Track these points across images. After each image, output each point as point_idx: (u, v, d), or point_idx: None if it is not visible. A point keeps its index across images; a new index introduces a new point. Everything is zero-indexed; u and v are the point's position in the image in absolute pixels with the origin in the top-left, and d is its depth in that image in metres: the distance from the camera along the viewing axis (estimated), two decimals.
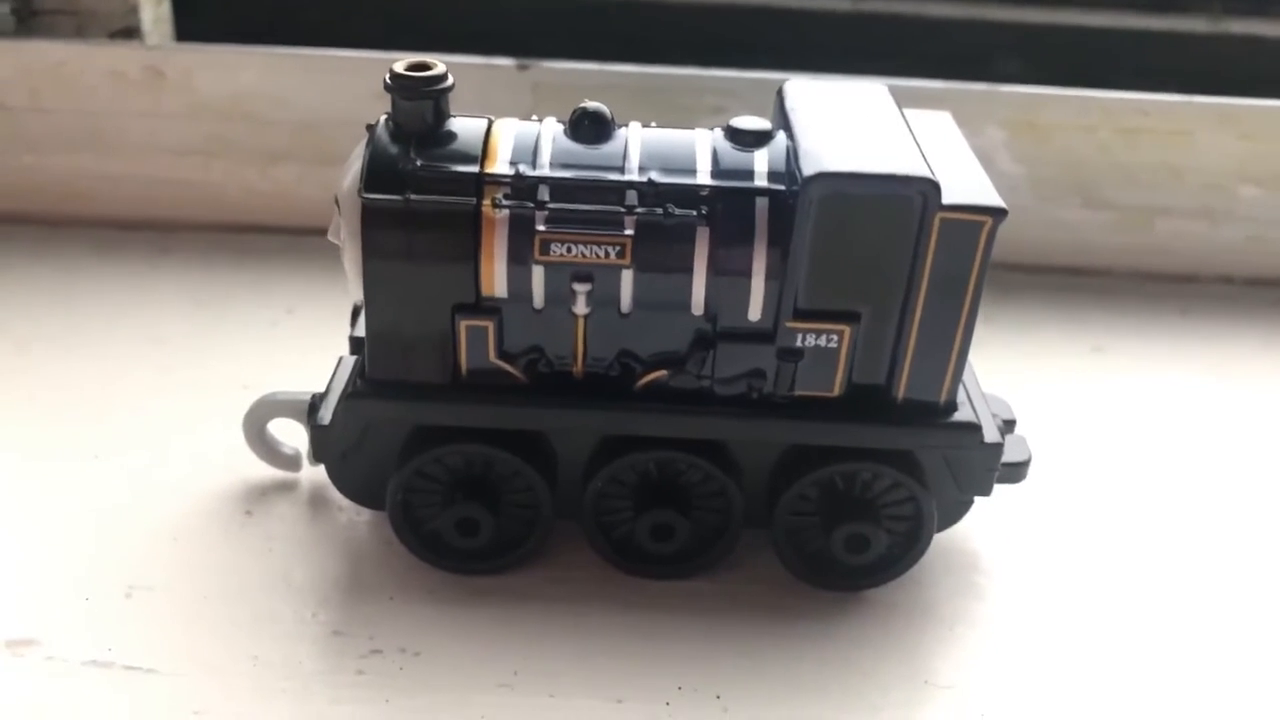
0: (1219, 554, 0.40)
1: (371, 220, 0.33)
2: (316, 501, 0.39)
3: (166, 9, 0.58)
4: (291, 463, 0.39)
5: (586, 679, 0.34)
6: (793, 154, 0.33)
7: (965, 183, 0.32)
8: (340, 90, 0.54)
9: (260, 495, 0.39)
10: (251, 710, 0.32)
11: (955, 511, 0.37)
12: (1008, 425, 0.38)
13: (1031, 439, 0.39)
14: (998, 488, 0.37)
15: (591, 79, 0.54)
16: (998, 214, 0.32)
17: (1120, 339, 0.52)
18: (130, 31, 0.56)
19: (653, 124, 0.35)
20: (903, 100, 0.36)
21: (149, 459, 0.41)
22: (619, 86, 0.54)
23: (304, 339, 0.48)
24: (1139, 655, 0.35)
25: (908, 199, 0.31)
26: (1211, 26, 0.56)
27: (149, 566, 0.36)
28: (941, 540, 0.37)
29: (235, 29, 0.57)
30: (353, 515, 0.39)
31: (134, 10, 0.56)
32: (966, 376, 0.36)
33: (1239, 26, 0.54)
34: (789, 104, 0.35)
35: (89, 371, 0.45)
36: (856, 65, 0.56)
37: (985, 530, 0.39)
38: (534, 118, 0.35)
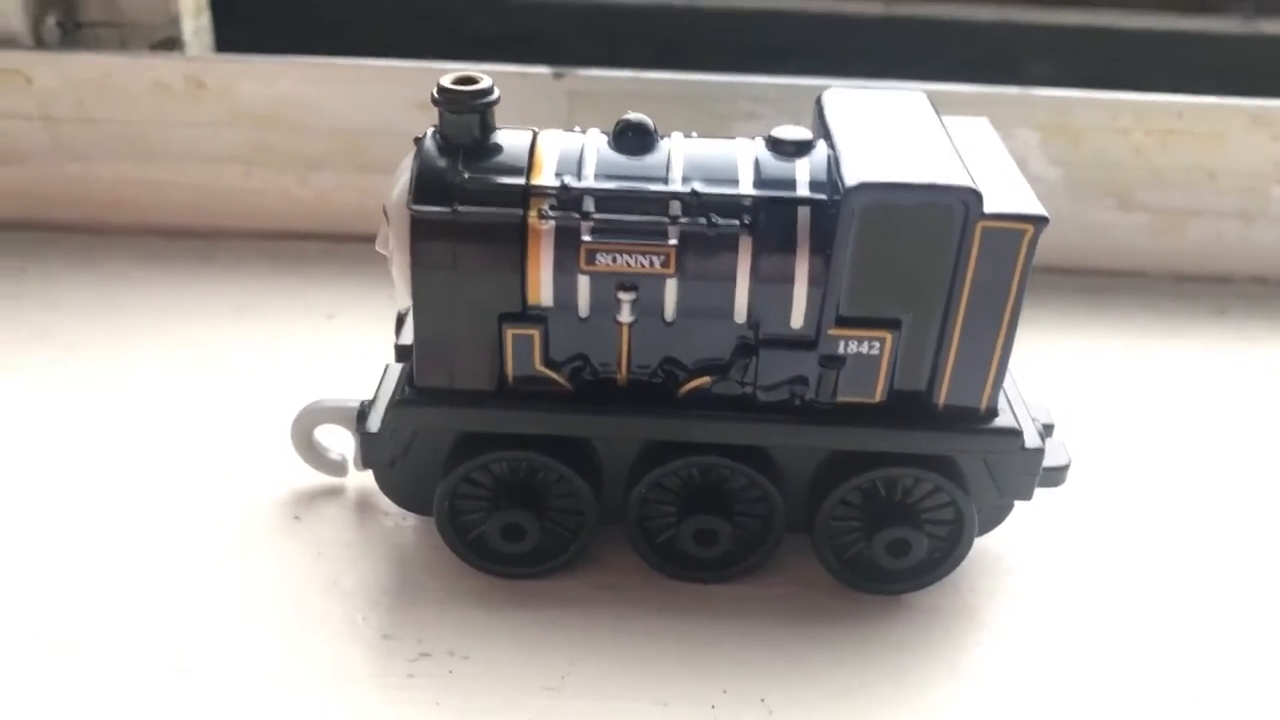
0: (1258, 556, 0.40)
1: (420, 232, 0.33)
2: (364, 507, 0.40)
3: (206, 20, 0.59)
4: (338, 469, 0.40)
5: (632, 683, 0.34)
6: (834, 163, 0.33)
7: (1006, 191, 0.33)
8: (377, 99, 0.55)
9: (308, 501, 0.40)
10: (302, 714, 0.33)
11: (996, 516, 0.37)
12: (1047, 429, 0.38)
13: (1070, 442, 0.39)
14: (1038, 492, 0.37)
15: (626, 86, 0.54)
16: (1039, 222, 0.32)
17: (1157, 340, 0.52)
18: (172, 43, 0.57)
19: (694, 134, 0.35)
20: (936, 104, 0.37)
21: (195, 466, 0.42)
22: (654, 94, 0.54)
23: (346, 345, 0.48)
24: (1176, 658, 0.36)
25: (949, 208, 0.32)
26: (1244, 27, 0.56)
27: (197, 571, 0.37)
28: (982, 544, 0.38)
29: (273, 39, 0.58)
30: (399, 520, 0.39)
31: (175, 22, 0.57)
32: (1006, 381, 0.37)
33: (1271, 27, 0.54)
34: (828, 113, 0.36)
35: (134, 378, 0.46)
36: (889, 69, 0.57)
37: (1026, 534, 0.39)
38: (577, 129, 0.36)
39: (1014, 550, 0.39)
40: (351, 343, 0.48)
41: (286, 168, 0.57)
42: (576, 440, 0.36)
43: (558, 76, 0.54)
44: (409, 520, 0.39)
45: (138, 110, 0.56)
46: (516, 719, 0.33)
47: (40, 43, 0.55)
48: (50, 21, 0.55)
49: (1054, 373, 0.45)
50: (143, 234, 0.57)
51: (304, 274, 0.55)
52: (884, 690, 0.34)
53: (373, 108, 0.55)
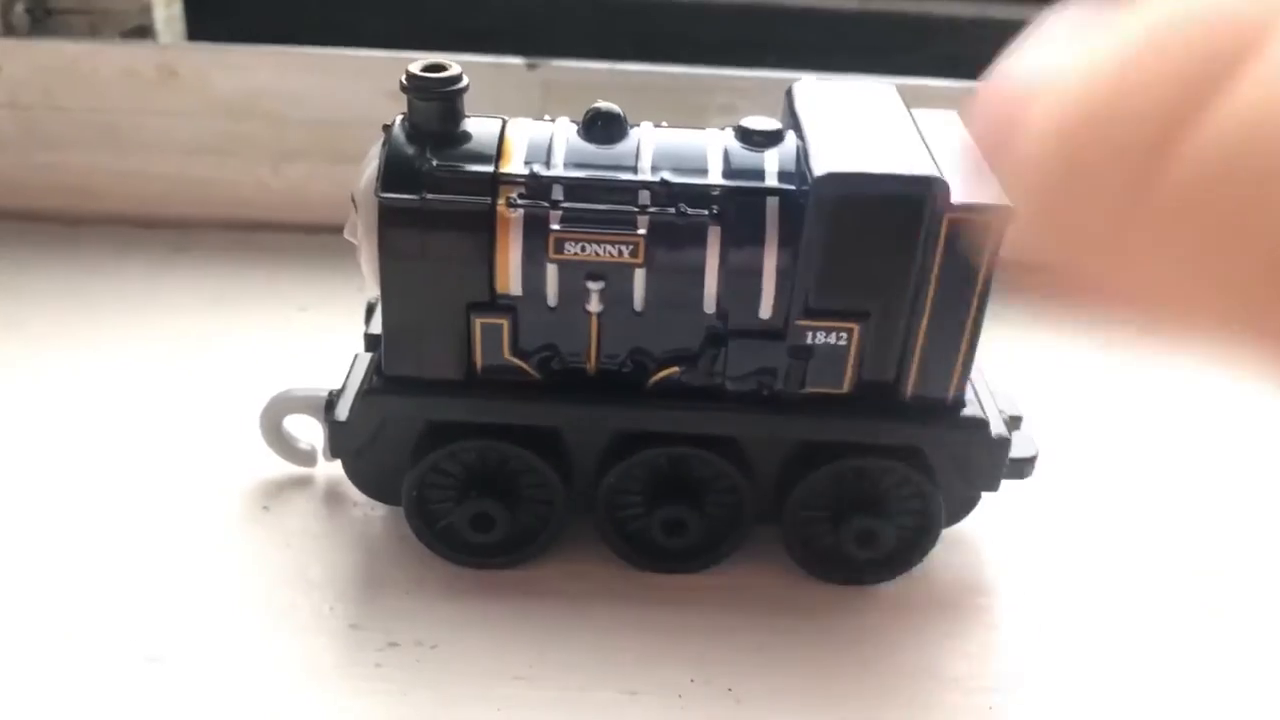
0: (1223, 546, 0.40)
1: (388, 219, 0.33)
2: (333, 497, 0.40)
3: (179, 9, 0.59)
4: (308, 459, 0.40)
5: (601, 672, 0.34)
6: (803, 154, 0.33)
7: (974, 182, 0.33)
8: (352, 89, 0.55)
9: (277, 491, 0.40)
10: (270, 704, 0.33)
11: (963, 506, 0.37)
12: (1014, 421, 0.38)
13: (1039, 435, 0.39)
14: (1005, 483, 0.37)
15: (601, 78, 0.54)
16: (1005, 212, 0.32)
17: (1124, 332, 0.52)
18: (143, 31, 0.57)
19: (664, 124, 0.35)
20: (911, 99, 0.37)
21: (165, 456, 0.41)
22: (628, 86, 0.54)
23: (318, 336, 0.48)
24: (1145, 647, 0.36)
25: (917, 198, 0.32)
26: None
27: (167, 561, 0.37)
28: (950, 535, 0.38)
29: (246, 28, 0.57)
30: (368, 510, 0.39)
31: (147, 10, 0.57)
32: (975, 373, 0.37)
33: None
34: (798, 104, 0.36)
35: (105, 368, 0.46)
36: (864, 64, 0.57)
37: (993, 525, 0.40)
38: (547, 118, 0.35)
39: (982, 541, 0.39)
40: (324, 334, 0.48)
41: (260, 158, 0.56)
42: (545, 430, 0.36)
43: (531, 67, 0.54)
44: (378, 510, 0.39)
45: (109, 99, 0.55)
46: (484, 708, 0.33)
47: (9, 30, 0.55)
48: (19, 8, 0.55)
49: (1023, 365, 0.45)
50: (114, 224, 0.56)
51: (277, 265, 0.54)
52: (851, 679, 0.34)
53: (347, 98, 0.55)
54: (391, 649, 0.34)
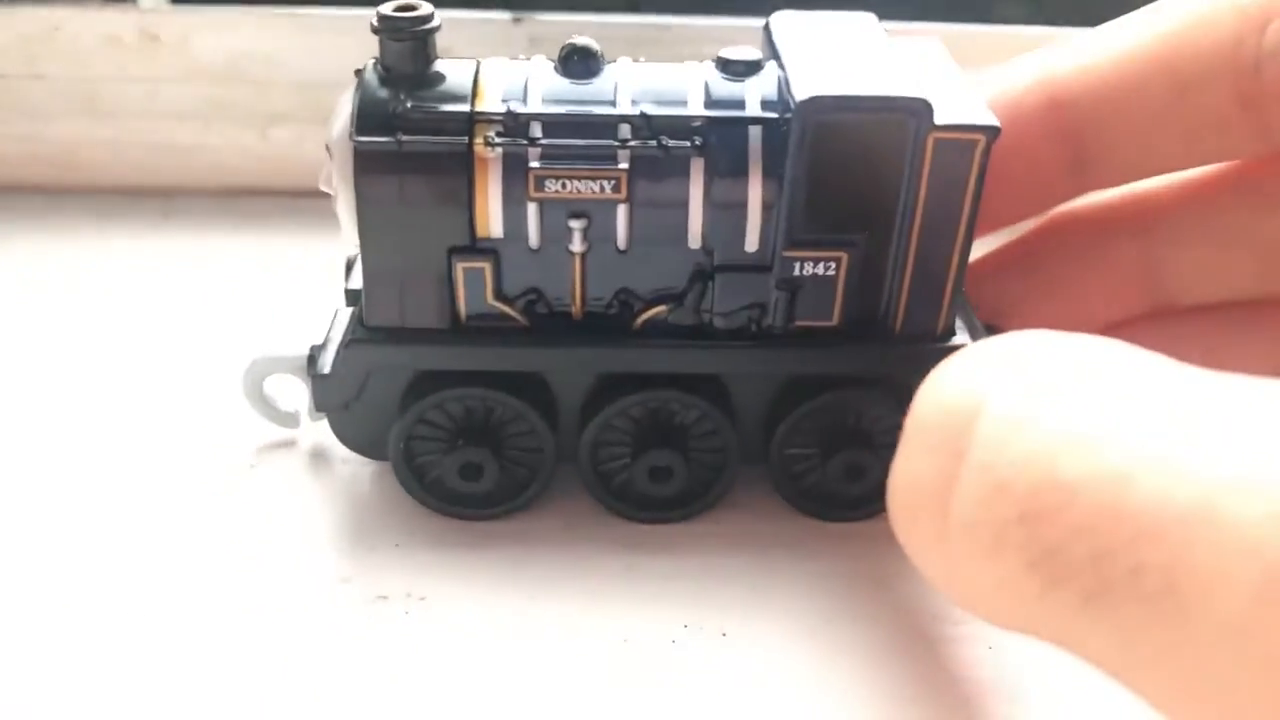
0: None
1: (364, 164, 0.33)
2: (319, 456, 0.39)
3: None
4: (291, 420, 0.39)
5: (592, 620, 0.34)
6: (784, 82, 0.32)
7: (957, 103, 0.32)
8: (336, 49, 0.54)
9: (264, 451, 0.39)
10: (261, 658, 0.32)
11: None
12: None
13: None
14: None
15: (587, 30, 0.53)
16: (991, 132, 0.31)
17: None
18: None
19: (642, 59, 0.35)
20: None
21: (150, 420, 0.41)
22: (615, 37, 0.53)
23: (305, 301, 0.47)
24: None
25: (900, 120, 0.31)
26: None
27: (154, 523, 0.37)
28: None
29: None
30: (356, 468, 0.39)
31: None
32: (964, 307, 0.36)
33: None
34: (776, 36, 0.35)
35: (92, 337, 0.45)
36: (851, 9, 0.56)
37: None
38: (521, 57, 0.35)
39: None
40: (311, 299, 0.47)
41: (245, 122, 0.56)
42: (532, 375, 0.35)
43: (516, 21, 0.53)
44: (367, 467, 0.39)
45: (90, 65, 0.54)
46: (475, 659, 0.32)
47: None
48: None
49: None
50: (100, 193, 0.56)
51: (264, 230, 0.54)
52: (846, 621, 0.34)
53: (331, 58, 0.54)
54: (380, 601, 0.34)
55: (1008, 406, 0.21)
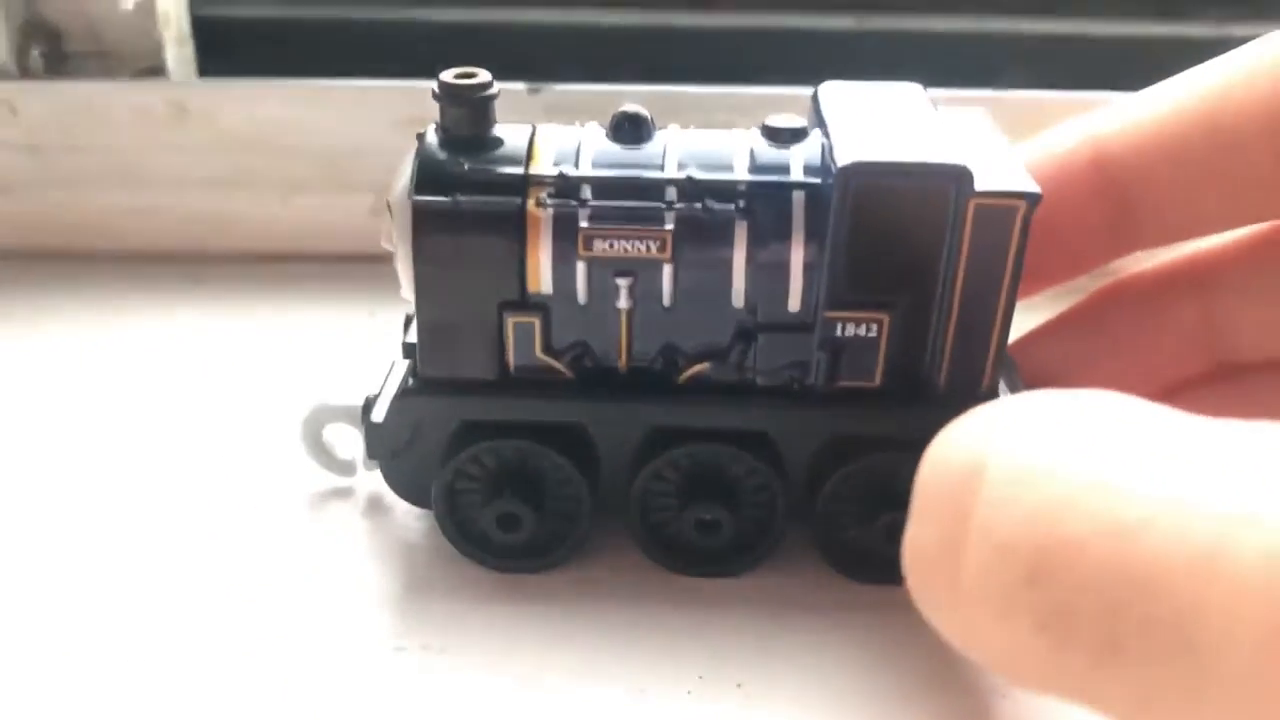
0: None
1: (422, 222, 0.34)
2: (373, 505, 0.40)
3: (190, 50, 0.60)
4: (347, 468, 0.40)
5: (609, 671, 0.34)
6: (827, 149, 0.34)
7: (999, 170, 0.34)
8: (358, 119, 0.56)
9: (319, 501, 0.40)
10: (299, 697, 0.33)
11: None
12: None
13: None
14: None
15: (602, 101, 0.55)
16: (1032, 198, 0.33)
17: None
18: (156, 70, 0.58)
19: (691, 126, 0.36)
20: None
21: (191, 477, 0.42)
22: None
23: (335, 361, 0.48)
24: None
25: (940, 187, 0.32)
26: (1215, 31, 0.58)
27: (214, 572, 0.37)
28: None
29: (255, 65, 0.58)
30: (408, 519, 0.39)
31: (159, 49, 0.57)
32: (1010, 370, 0.37)
33: (1241, 30, 0.56)
34: (823, 104, 0.36)
35: (127, 398, 0.46)
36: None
37: None
38: (576, 124, 0.36)
39: None
40: (337, 359, 0.48)
41: (270, 190, 0.57)
42: (576, 427, 0.36)
43: (533, 92, 0.55)
44: (417, 518, 0.39)
45: (122, 137, 0.56)
46: (496, 707, 0.33)
47: (25, 72, 0.56)
48: (35, 52, 0.56)
49: None
50: (131, 260, 0.57)
51: (291, 295, 0.55)
52: (863, 679, 0.34)
53: (353, 128, 0.56)
54: (398, 654, 0.34)
55: (1010, 465, 0.21)
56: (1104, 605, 0.18)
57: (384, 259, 0.36)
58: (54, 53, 0.57)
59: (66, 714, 0.32)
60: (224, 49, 0.61)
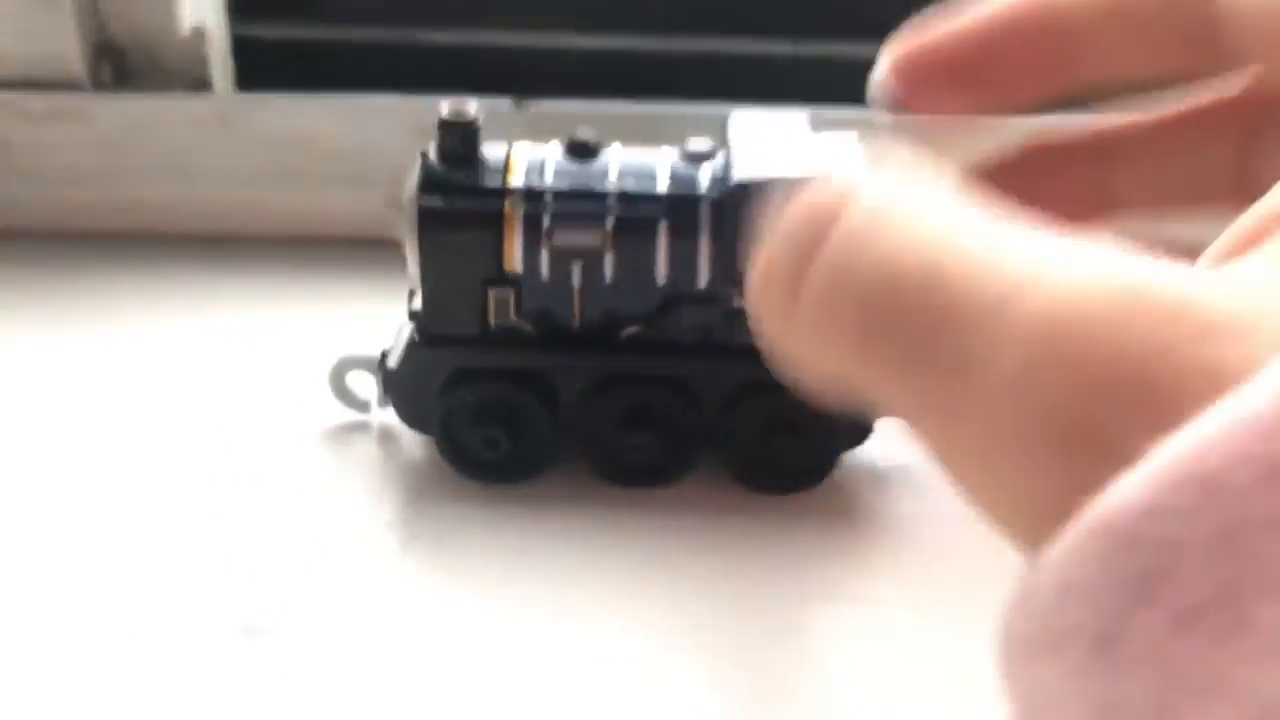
0: None
1: (424, 218, 0.46)
2: (386, 433, 0.52)
3: (230, 65, 0.71)
4: (365, 406, 0.52)
5: (560, 557, 0.46)
6: (726, 168, 0.46)
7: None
8: (374, 127, 0.67)
9: (342, 431, 0.52)
10: (322, 572, 0.45)
11: (859, 435, 0.49)
12: None
13: None
14: None
15: (582, 114, 0.66)
16: None
17: None
18: (203, 83, 0.69)
19: (632, 144, 0.48)
20: (819, 123, 0.49)
21: (243, 415, 0.53)
22: (608, 121, 0.66)
23: (356, 322, 0.60)
24: None
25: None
26: None
27: (258, 480, 0.49)
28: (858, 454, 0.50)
29: (286, 78, 0.70)
30: (413, 444, 0.51)
31: (206, 66, 0.69)
32: None
33: None
34: (730, 130, 0.48)
35: (181, 354, 0.57)
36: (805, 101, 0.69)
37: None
38: (545, 143, 0.48)
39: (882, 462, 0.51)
40: (359, 319, 0.60)
41: (301, 185, 0.69)
42: (541, 373, 0.48)
43: (518, 106, 0.66)
44: (420, 441, 0.51)
45: (175, 140, 0.67)
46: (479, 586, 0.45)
47: (97, 85, 0.67)
48: (105, 68, 0.67)
49: None
50: (182, 240, 0.68)
51: (321, 269, 0.66)
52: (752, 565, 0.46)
53: (370, 134, 0.67)
54: (413, 541, 0.46)
55: (873, 205, 0.22)
56: (916, 329, 0.20)
57: (395, 243, 0.48)
58: (120, 68, 0.68)
59: (103, 648, 0.44)
60: (259, 63, 0.72)
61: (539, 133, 0.65)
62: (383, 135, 0.67)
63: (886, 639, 0.44)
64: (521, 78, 0.71)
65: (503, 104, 0.66)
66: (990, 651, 0.18)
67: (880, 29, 0.65)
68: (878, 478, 0.51)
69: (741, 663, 0.43)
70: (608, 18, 0.73)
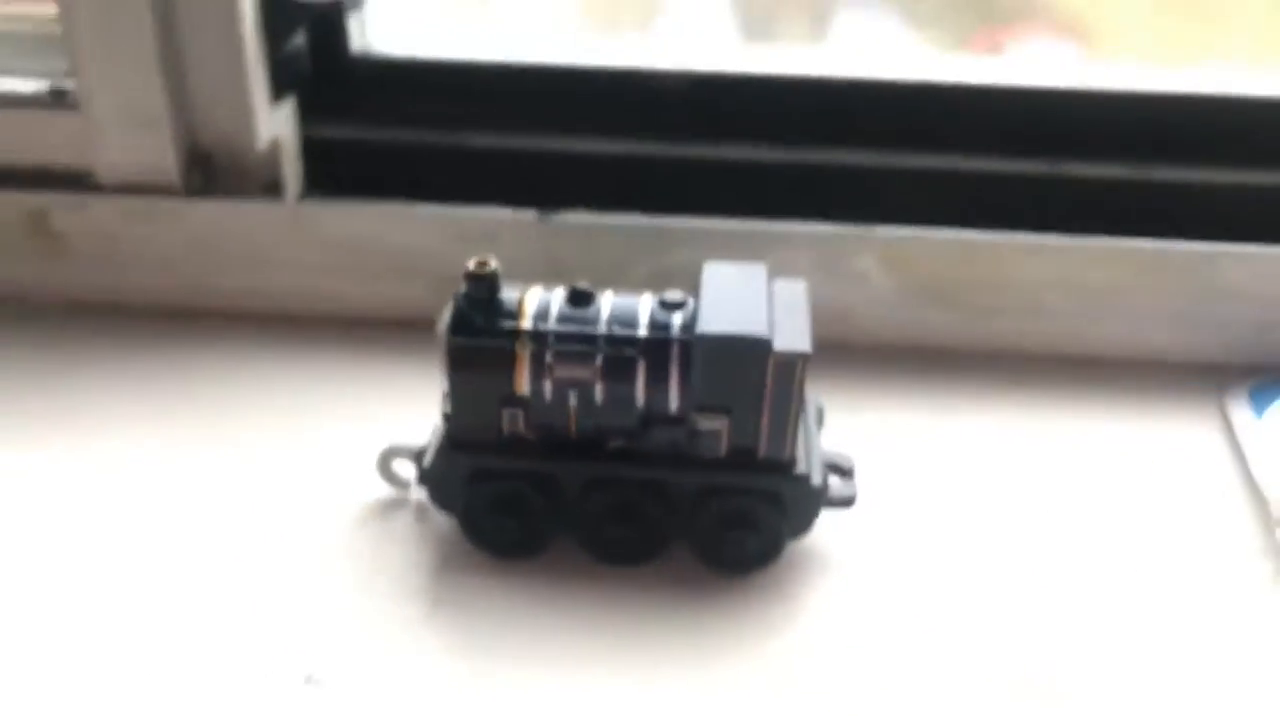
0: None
1: (453, 351, 0.57)
2: (422, 510, 0.64)
3: (299, 167, 0.83)
4: (405, 486, 0.64)
5: (562, 616, 0.58)
6: (694, 317, 0.57)
7: (792, 333, 0.56)
8: (420, 231, 0.78)
9: (385, 507, 0.64)
10: (359, 627, 0.57)
11: (802, 527, 0.60)
12: (839, 469, 0.62)
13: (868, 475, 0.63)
14: (847, 513, 0.61)
15: (600, 226, 0.77)
16: (806, 355, 0.55)
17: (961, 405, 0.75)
18: (275, 186, 0.81)
19: (618, 291, 0.59)
20: (773, 273, 0.60)
21: (302, 486, 0.65)
22: (623, 234, 0.77)
23: (401, 402, 0.72)
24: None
25: (756, 347, 0.55)
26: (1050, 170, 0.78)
27: (312, 546, 0.61)
28: (799, 546, 0.61)
29: (344, 183, 0.82)
30: (441, 521, 0.63)
31: (279, 170, 0.81)
32: (811, 442, 0.60)
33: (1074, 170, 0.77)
34: (702, 280, 0.59)
35: (254, 424, 0.70)
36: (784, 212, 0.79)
37: (833, 538, 0.63)
38: (549, 288, 0.59)
39: (821, 552, 0.63)
40: (403, 399, 0.72)
41: (357, 279, 0.81)
42: (545, 474, 0.60)
43: (542, 220, 0.78)
44: (447, 521, 0.63)
45: (252, 238, 0.79)
46: (497, 640, 0.57)
47: (188, 190, 0.79)
48: (195, 175, 0.80)
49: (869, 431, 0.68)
50: (255, 320, 0.80)
51: (371, 347, 0.78)
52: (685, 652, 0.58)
53: (416, 237, 0.79)
54: (436, 607, 0.58)
55: None
56: None
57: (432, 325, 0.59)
58: (208, 174, 0.81)
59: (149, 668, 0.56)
60: (325, 171, 0.84)
61: (563, 244, 0.77)
62: (424, 238, 0.79)
63: (811, 686, 0.55)
64: (546, 184, 0.82)
65: (526, 215, 0.78)
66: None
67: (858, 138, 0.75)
68: (818, 563, 0.62)
69: (690, 693, 0.55)
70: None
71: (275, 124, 0.80)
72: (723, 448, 0.58)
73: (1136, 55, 0.88)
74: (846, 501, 0.62)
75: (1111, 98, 0.78)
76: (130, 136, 0.77)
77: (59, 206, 0.78)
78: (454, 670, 0.55)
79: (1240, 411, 0.74)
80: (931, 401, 0.75)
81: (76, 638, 0.57)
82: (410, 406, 0.64)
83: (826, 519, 0.61)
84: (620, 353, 0.57)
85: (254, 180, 0.80)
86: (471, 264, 0.58)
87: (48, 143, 0.78)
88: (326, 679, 0.55)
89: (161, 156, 0.78)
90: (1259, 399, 0.75)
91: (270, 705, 0.54)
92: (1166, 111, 0.78)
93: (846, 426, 0.67)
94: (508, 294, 0.59)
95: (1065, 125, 0.79)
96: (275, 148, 0.80)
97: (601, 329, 0.57)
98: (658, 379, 0.57)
